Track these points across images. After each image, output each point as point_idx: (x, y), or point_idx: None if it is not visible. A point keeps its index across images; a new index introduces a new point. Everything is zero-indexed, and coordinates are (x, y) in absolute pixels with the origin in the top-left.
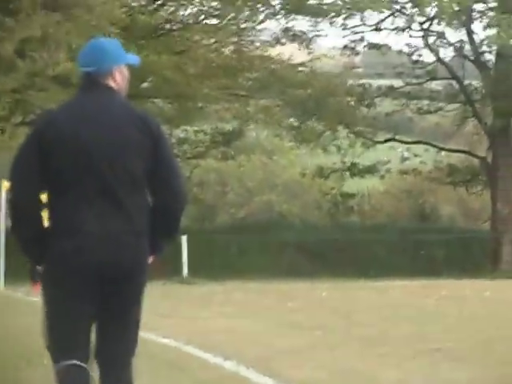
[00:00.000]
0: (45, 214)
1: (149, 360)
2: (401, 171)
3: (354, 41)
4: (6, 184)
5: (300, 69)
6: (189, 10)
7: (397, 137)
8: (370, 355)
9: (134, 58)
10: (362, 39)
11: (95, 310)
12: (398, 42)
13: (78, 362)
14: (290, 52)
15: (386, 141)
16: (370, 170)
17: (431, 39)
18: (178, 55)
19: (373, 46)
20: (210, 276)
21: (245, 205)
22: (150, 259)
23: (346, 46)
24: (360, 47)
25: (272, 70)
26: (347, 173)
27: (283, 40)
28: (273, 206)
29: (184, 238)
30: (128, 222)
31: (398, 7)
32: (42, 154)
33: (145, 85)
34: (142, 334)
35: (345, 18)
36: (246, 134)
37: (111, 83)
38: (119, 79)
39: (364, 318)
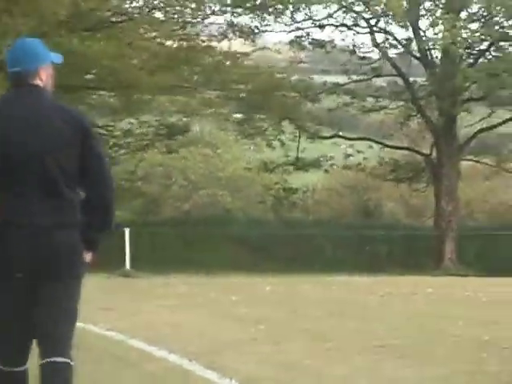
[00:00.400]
0: None
1: (92, 352)
2: (344, 167)
3: (299, 36)
4: None
5: (245, 62)
6: (134, 3)
7: (340, 133)
8: (315, 350)
9: (57, 57)
10: (307, 35)
11: (31, 303)
12: (343, 39)
13: (15, 368)
14: (237, 48)
15: (330, 137)
16: (314, 164)
17: (378, 36)
18: (123, 47)
19: (317, 43)
20: (154, 269)
21: (189, 198)
22: (89, 256)
23: (291, 42)
24: (305, 43)
25: (216, 62)
26: (291, 167)
27: (229, 34)
28: (217, 199)
29: (127, 231)
30: (60, 216)
31: (345, 4)
32: None
33: (89, 76)
34: (85, 327)
35: (292, 13)
36: (190, 127)
37: (38, 82)
38: (45, 77)
39: (309, 313)
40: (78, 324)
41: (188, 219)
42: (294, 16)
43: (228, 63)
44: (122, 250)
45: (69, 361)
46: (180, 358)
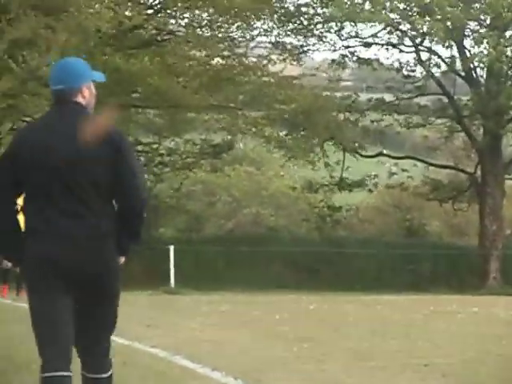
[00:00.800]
0: (21, 218)
1: (137, 369)
2: (388, 186)
3: (344, 55)
4: None
5: (293, 82)
6: (180, 21)
7: (385, 151)
8: (358, 369)
9: (99, 76)
10: (352, 54)
11: (71, 307)
12: (388, 57)
13: (59, 373)
14: (282, 66)
15: (375, 155)
16: (358, 184)
17: (423, 55)
18: (167, 65)
19: (363, 62)
20: (197, 287)
21: (232, 216)
22: (121, 260)
23: (334, 60)
24: (350, 62)
25: (262, 83)
26: (336, 187)
27: (274, 55)
28: (260, 218)
29: (171, 249)
30: (93, 227)
31: (391, 22)
32: (17, 163)
33: (135, 95)
34: (131, 344)
35: (337, 31)
36: (234, 145)
37: (80, 99)
38: (87, 95)
39: (352, 332)
40: (124, 341)
41: (231, 237)
42: (340, 34)
43: (274, 85)
44: (164, 267)
45: (110, 374)
46: (224, 375)
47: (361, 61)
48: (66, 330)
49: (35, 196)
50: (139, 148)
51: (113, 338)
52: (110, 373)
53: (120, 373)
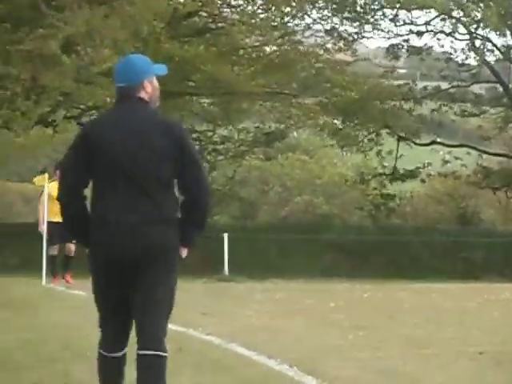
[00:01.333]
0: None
1: (193, 357)
2: (440, 174)
3: (395, 45)
4: (39, 179)
5: (347, 68)
6: (234, 9)
7: (439, 139)
8: (413, 356)
9: (161, 69)
10: (406, 41)
11: (130, 289)
12: (442, 45)
13: (113, 354)
14: (336, 55)
15: (429, 144)
16: (411, 174)
17: (477, 42)
18: (222, 54)
19: (415, 50)
20: (251, 274)
21: (286, 204)
22: (184, 252)
23: (389, 49)
24: (403, 50)
25: (316, 70)
26: (388, 178)
27: (328, 44)
28: (313, 206)
29: (225, 236)
30: (153, 215)
31: (446, 8)
32: (84, 156)
33: (189, 83)
34: (187, 331)
35: (392, 19)
36: (288, 134)
37: (143, 95)
38: (150, 90)
39: (407, 319)
40: (179, 328)
41: (285, 225)
42: (396, 19)
43: (328, 71)
44: (218, 255)
45: (162, 353)
46: (279, 363)
47: (414, 50)
48: (122, 313)
49: (100, 186)
50: (194, 136)
51: (169, 325)
52: (165, 354)
53: (175, 360)
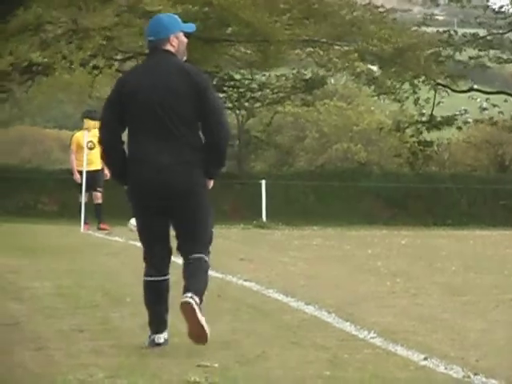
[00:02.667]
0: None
1: (231, 302)
2: (477, 121)
3: None
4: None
5: (386, 16)
6: None
7: (476, 86)
8: (452, 303)
9: (189, 27)
10: None
11: (167, 219)
12: None
13: (157, 278)
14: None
15: (467, 91)
16: (448, 121)
17: None
18: (258, 1)
19: None
20: (288, 222)
21: (323, 151)
22: (210, 183)
23: None
24: None
25: (355, 18)
26: (425, 126)
27: None
28: (351, 153)
29: (263, 183)
30: (180, 155)
31: None
32: (121, 103)
33: (228, 30)
34: (225, 277)
35: None
36: (326, 81)
37: (169, 47)
38: (176, 44)
39: (445, 267)
40: (218, 275)
41: (322, 172)
42: None
43: (367, 20)
44: (256, 202)
45: (204, 257)
46: (317, 309)
47: None
48: (161, 243)
49: (135, 129)
50: (231, 83)
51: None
52: (206, 258)
53: (213, 305)
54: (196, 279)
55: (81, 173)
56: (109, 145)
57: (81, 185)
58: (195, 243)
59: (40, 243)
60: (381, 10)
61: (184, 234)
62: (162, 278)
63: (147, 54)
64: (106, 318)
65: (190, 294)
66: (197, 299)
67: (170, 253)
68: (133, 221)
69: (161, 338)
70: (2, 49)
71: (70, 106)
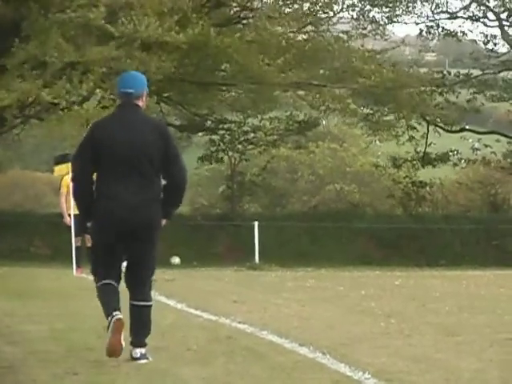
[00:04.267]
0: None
1: (225, 344)
2: (469, 160)
3: (430, 26)
4: (60, 167)
5: (376, 56)
6: None
7: (467, 127)
8: (445, 344)
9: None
10: (437, 26)
11: (123, 249)
12: (471, 30)
13: (112, 282)
14: (363, 43)
15: (459, 131)
16: (442, 158)
17: (509, 30)
18: (252, 44)
19: (449, 34)
20: (282, 263)
21: (316, 193)
22: (164, 222)
23: (422, 31)
24: (435, 35)
25: (346, 59)
26: (420, 163)
27: (356, 30)
28: (344, 194)
29: (256, 225)
30: (146, 193)
31: None
32: (93, 148)
33: (220, 74)
34: (219, 320)
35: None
36: (319, 122)
37: (140, 102)
38: (144, 100)
39: (439, 307)
40: (211, 317)
41: (315, 213)
42: (426, 7)
43: (357, 59)
44: (248, 243)
45: (151, 304)
46: (311, 351)
47: (446, 32)
48: (117, 262)
49: (106, 171)
50: (225, 126)
51: (200, 313)
52: (151, 303)
53: (207, 347)
54: (141, 326)
55: (74, 216)
56: (81, 184)
57: (71, 229)
58: (142, 281)
59: (33, 286)
60: (371, 50)
61: (134, 260)
62: (116, 284)
63: (119, 105)
64: (100, 361)
65: (120, 315)
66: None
67: (120, 276)
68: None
69: (137, 352)
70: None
71: (61, 150)
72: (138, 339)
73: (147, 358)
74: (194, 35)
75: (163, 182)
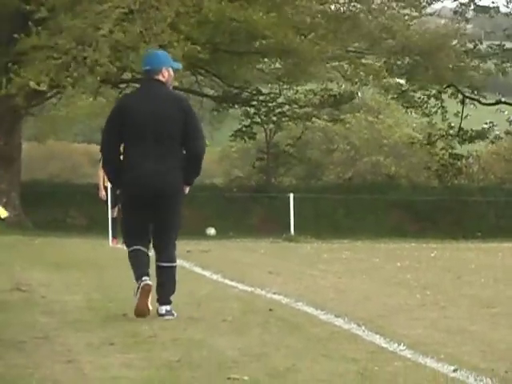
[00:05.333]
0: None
1: (259, 316)
2: (507, 132)
3: (463, 4)
4: None
5: (412, 23)
6: None
7: (503, 99)
8: (481, 316)
9: (176, 64)
10: (471, 1)
11: (150, 215)
12: (507, 3)
13: (141, 247)
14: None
15: (494, 103)
16: (479, 135)
17: None
18: (284, 18)
19: (482, 10)
20: (317, 235)
21: (351, 164)
22: (186, 189)
23: (456, 9)
24: (469, 10)
25: (383, 27)
26: (456, 139)
27: (394, 2)
28: (380, 166)
29: (291, 197)
30: (168, 162)
31: None
32: (120, 121)
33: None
34: (254, 290)
35: None
36: (354, 95)
37: (161, 78)
38: (166, 76)
39: (474, 279)
40: (247, 288)
41: (351, 185)
42: None
43: (395, 26)
44: (284, 215)
45: (174, 264)
46: (347, 322)
47: (480, 9)
48: (145, 228)
49: (131, 143)
50: (260, 98)
51: (235, 284)
52: (175, 264)
53: (242, 318)
54: (166, 286)
55: (107, 188)
56: (109, 154)
57: (106, 201)
58: (167, 243)
59: (69, 257)
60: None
61: (160, 224)
62: (146, 250)
63: (142, 81)
64: (136, 331)
65: (149, 281)
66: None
67: (149, 241)
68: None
69: (163, 309)
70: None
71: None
72: (164, 297)
73: (172, 314)
74: (215, 12)
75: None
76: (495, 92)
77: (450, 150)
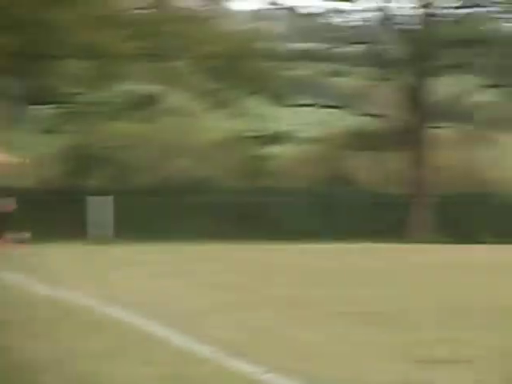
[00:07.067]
0: None
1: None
2: (311, 139)
3: (271, 3)
4: None
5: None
6: None
7: (309, 101)
8: (289, 317)
9: None
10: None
11: None
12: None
13: None
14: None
15: (302, 105)
16: (286, 137)
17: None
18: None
19: (288, 11)
20: (127, 237)
21: (160, 167)
22: None
23: (258, 13)
24: (278, 11)
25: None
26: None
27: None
28: (188, 169)
29: (91, 200)
30: None
31: None
32: None
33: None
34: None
35: None
36: (161, 98)
37: None
38: None
39: (283, 280)
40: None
41: (160, 188)
42: None
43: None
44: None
45: None
46: (154, 324)
47: (286, 9)
48: None
49: None
50: (65, 99)
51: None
52: None
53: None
54: None
55: None
56: None
57: None
58: None
59: None
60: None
61: None
62: None
63: None
64: None
65: None
66: None
67: None
68: None
69: None
70: None
71: None
72: None
73: None
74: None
75: None
76: (308, 94)
77: (254, 153)
